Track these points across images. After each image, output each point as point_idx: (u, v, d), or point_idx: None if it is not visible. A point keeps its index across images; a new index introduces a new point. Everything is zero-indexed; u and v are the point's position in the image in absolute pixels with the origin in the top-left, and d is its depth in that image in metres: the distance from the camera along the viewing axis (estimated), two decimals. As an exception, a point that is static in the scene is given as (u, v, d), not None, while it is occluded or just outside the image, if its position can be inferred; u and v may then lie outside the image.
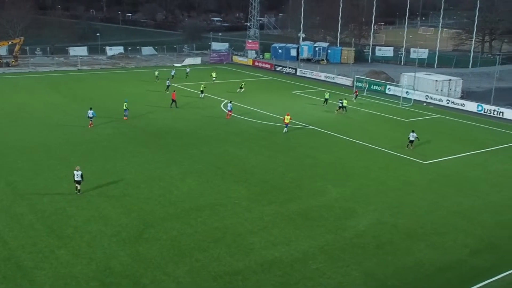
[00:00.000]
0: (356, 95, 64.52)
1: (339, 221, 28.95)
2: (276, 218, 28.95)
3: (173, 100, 56.14)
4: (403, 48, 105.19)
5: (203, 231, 27.08)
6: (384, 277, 23.45)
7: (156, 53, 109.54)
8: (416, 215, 30.24)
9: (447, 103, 64.24)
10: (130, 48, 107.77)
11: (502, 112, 58.66)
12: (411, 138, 43.57)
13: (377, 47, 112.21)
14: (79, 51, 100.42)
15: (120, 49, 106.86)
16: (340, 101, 57.04)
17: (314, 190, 33.56)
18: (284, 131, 47.04)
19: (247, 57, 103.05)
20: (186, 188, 32.98)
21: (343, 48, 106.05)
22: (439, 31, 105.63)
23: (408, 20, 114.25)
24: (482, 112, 60.33)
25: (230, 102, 53.25)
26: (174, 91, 59.00)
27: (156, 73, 74.56)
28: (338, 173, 37.19)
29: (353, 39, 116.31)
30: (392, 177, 36.63)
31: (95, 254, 24.33)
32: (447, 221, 29.60)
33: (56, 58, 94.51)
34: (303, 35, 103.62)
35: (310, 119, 52.86)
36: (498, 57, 76.40)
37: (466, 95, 69.28)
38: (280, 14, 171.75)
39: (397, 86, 69.45)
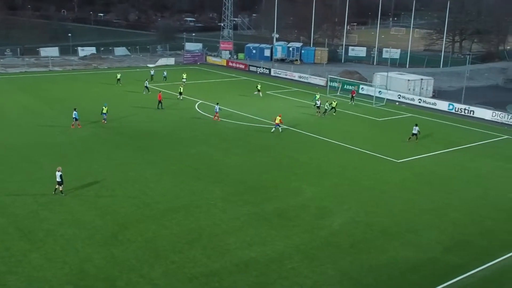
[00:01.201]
0: (353, 96, 63.76)
1: (315, 221, 29.12)
2: (252, 219, 28.98)
3: (160, 101, 55.94)
4: (376, 48, 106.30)
5: (178, 233, 26.96)
6: (359, 275, 23.67)
7: (129, 53, 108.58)
8: (390, 213, 30.60)
9: (419, 102, 65.14)
10: (102, 48, 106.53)
11: (473, 111, 59.71)
12: (414, 132, 45.69)
13: (350, 47, 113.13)
14: (50, 51, 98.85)
15: (92, 49, 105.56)
16: (318, 101, 57.46)
17: (289, 190, 33.68)
18: (272, 130, 47.58)
19: (221, 57, 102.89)
20: (161, 190, 32.79)
21: (317, 48, 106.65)
22: (411, 31, 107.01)
23: (380, 21, 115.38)
24: (453, 111, 61.33)
25: (217, 104, 52.55)
26: (160, 92, 58.53)
27: (118, 76, 71.52)
28: (313, 172, 37.40)
29: (326, 40, 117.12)
30: (366, 176, 36.98)
31: (68, 257, 24.01)
32: (420, 219, 30.02)
33: (27, 59, 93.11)
34: (277, 36, 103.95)
35: (285, 119, 52.87)
36: (468, 57, 77.89)
37: (438, 94, 70.35)
38: (253, 15, 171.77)
39: (370, 85, 70.13)
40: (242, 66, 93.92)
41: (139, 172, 35.75)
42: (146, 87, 64.97)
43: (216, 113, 51.41)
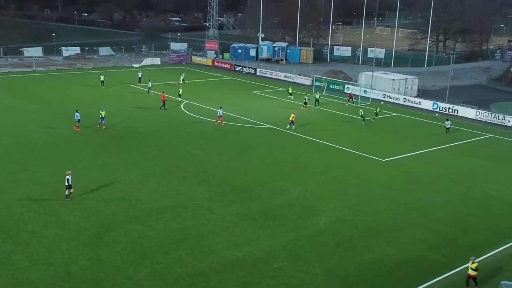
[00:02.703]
0: (351, 99, 63.40)
1: (300, 220, 29.18)
2: (238, 218, 28.96)
3: (164, 102, 55.67)
4: (361, 48, 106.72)
5: (164, 233, 26.86)
6: (345, 273, 23.76)
7: (113, 53, 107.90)
8: (375, 212, 30.75)
9: (404, 101, 65.55)
10: (87, 48, 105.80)
11: (457, 110, 60.23)
12: (447, 126, 48.80)
13: (335, 47, 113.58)
14: (34, 51, 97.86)
15: (77, 49, 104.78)
16: (305, 98, 57.77)
17: (275, 189, 33.71)
18: (287, 127, 48.56)
19: (206, 57, 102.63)
20: (147, 190, 32.63)
21: (302, 48, 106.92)
22: (395, 31, 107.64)
23: (365, 20, 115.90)
24: (437, 109, 61.79)
25: (220, 108, 51.44)
26: (163, 92, 57.95)
27: (102, 77, 69.39)
28: (299, 172, 37.45)
29: (311, 39, 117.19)
30: (352, 175, 37.12)
31: (53, 259, 23.81)
32: (406, 217, 30.21)
33: (10, 59, 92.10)
34: (262, 35, 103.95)
35: (271, 118, 53.04)
36: (452, 56, 78.35)
37: (422, 93, 70.87)
38: (239, 14, 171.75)
39: (355, 85, 70.42)
40: (228, 66, 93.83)
41: (124, 173, 35.54)
42: (150, 87, 64.52)
43: (219, 117, 50.34)
